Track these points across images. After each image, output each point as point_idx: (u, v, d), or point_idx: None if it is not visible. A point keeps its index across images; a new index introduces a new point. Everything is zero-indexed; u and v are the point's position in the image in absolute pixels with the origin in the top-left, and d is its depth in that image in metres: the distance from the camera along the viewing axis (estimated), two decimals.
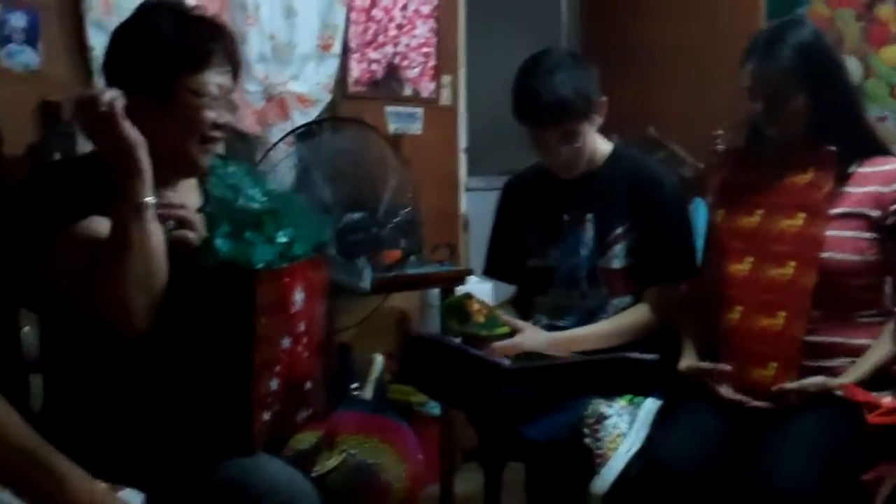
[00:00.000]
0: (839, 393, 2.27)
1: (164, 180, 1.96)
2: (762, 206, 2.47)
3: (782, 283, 2.40)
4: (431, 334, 2.69)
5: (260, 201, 2.06)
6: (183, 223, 1.94)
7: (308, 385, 2.04)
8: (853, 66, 5.68)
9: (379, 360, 2.60)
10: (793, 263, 2.39)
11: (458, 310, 2.55)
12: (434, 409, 3.63)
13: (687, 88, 5.06)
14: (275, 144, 3.40)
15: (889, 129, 5.33)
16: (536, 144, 2.60)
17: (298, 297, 1.97)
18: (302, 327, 1.99)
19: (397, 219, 3.34)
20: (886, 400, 2.06)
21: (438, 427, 3.57)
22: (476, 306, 2.53)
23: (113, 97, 1.79)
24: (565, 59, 2.58)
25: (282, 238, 1.97)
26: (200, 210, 2.09)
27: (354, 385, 3.12)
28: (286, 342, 1.95)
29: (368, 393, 2.53)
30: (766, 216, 2.46)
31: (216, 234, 1.92)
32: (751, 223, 2.48)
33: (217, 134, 2.03)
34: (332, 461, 2.05)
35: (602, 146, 2.70)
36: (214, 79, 2.00)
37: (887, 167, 2.43)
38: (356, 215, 3.19)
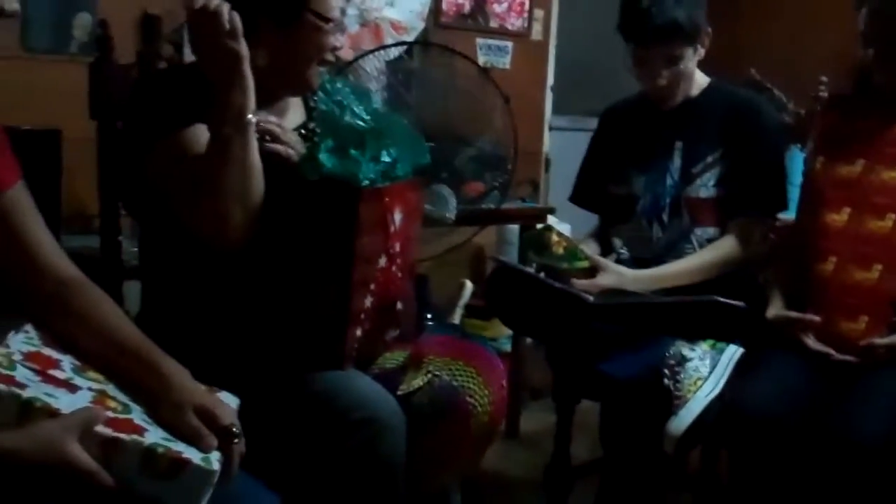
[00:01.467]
0: None
1: (270, 98, 1.97)
2: (865, 156, 2.42)
3: (880, 235, 2.36)
4: (517, 265, 2.68)
5: (365, 120, 2.07)
6: (276, 139, 1.94)
7: (399, 305, 2.06)
8: None
9: (469, 286, 2.60)
10: (893, 216, 2.35)
11: (537, 240, 2.55)
12: (505, 344, 3.64)
13: (794, 31, 4.95)
14: (358, 57, 3.36)
15: None
16: (639, 64, 2.59)
17: (397, 217, 1.98)
18: (397, 248, 2.00)
19: (487, 155, 3.32)
20: None
21: (508, 363, 3.58)
22: (556, 238, 2.53)
23: (231, 12, 1.79)
24: None
25: (385, 158, 1.97)
26: (302, 127, 2.10)
27: (429, 316, 3.13)
28: (383, 261, 1.96)
29: (457, 318, 2.53)
30: (868, 166, 2.41)
31: (321, 149, 1.92)
32: (851, 172, 2.43)
33: (332, 57, 2.03)
34: (419, 381, 2.06)
35: (700, 78, 2.69)
36: (338, 2, 2.00)
37: None
38: (444, 144, 3.17)
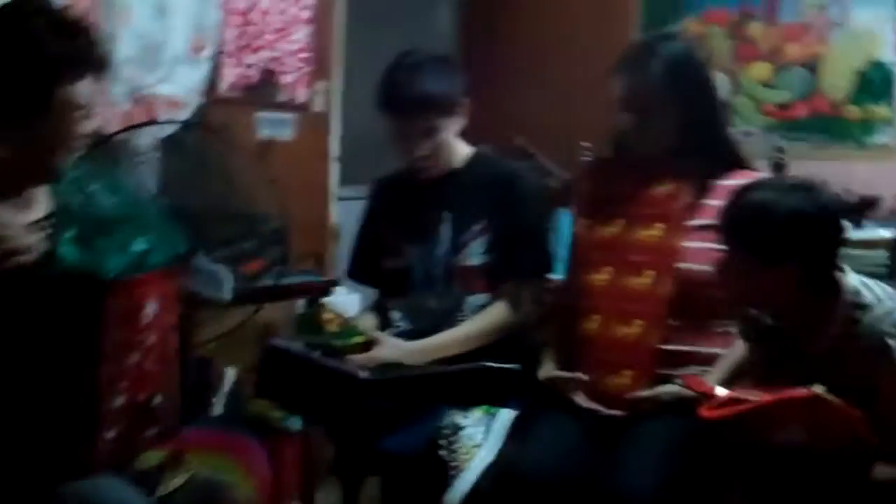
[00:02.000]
0: (679, 382, 2.30)
1: (13, 190, 1.88)
2: (622, 217, 2.49)
3: (639, 292, 2.43)
4: (288, 345, 2.64)
5: (114, 207, 1.99)
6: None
7: (157, 401, 1.99)
8: (722, 82, 5.83)
9: (230, 373, 2.55)
10: (650, 273, 2.43)
11: (310, 321, 2.53)
12: (295, 423, 3.57)
13: (558, 98, 5.11)
14: (114, 134, 3.28)
15: (756, 145, 5.47)
16: (398, 137, 2.63)
17: (150, 309, 1.91)
18: (153, 340, 1.94)
19: (261, 228, 3.28)
20: (721, 392, 2.08)
21: (300, 442, 3.52)
22: (328, 315, 2.52)
23: None
24: (433, 56, 2.66)
25: (137, 246, 1.91)
26: (48, 217, 2.02)
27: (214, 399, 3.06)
28: (135, 356, 1.89)
29: (219, 408, 2.48)
30: (626, 226, 2.48)
31: (62, 242, 1.84)
32: (610, 233, 2.50)
33: (81, 143, 1.95)
34: (178, 480, 1.99)
35: (463, 148, 2.74)
36: (89, 87, 1.90)
37: (749, 180, 2.47)
38: (218, 223, 3.12)
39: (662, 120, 2.45)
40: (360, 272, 2.89)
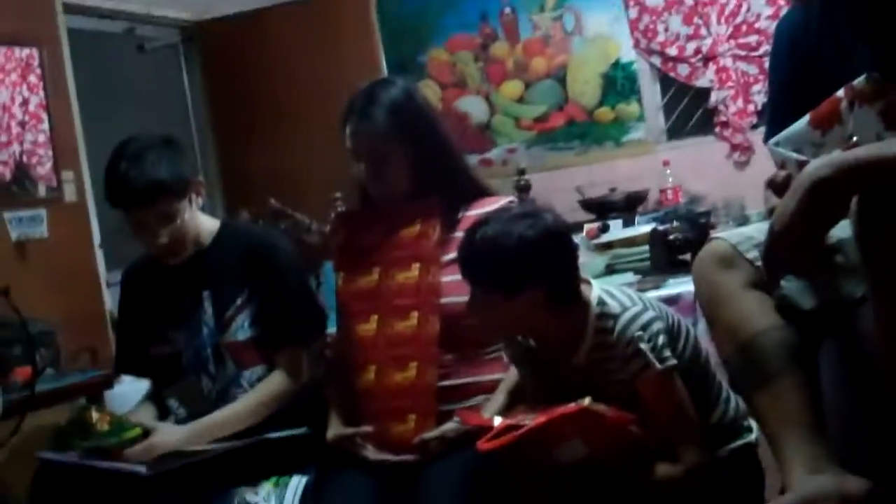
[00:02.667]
0: (457, 419, 2.30)
1: None
2: (378, 264, 2.48)
3: (408, 335, 2.42)
4: (58, 456, 2.52)
5: None
6: None
7: None
8: (478, 104, 5.96)
9: None
10: (415, 314, 2.42)
11: (77, 426, 2.41)
12: None
13: (314, 150, 5.11)
14: None
15: (520, 160, 5.61)
16: (136, 229, 2.54)
17: None
18: None
19: (27, 333, 3.15)
20: (497, 421, 2.09)
21: None
22: (96, 415, 2.40)
23: None
24: (155, 141, 2.55)
25: None
26: None
27: None
28: None
29: None
30: (384, 273, 2.47)
31: None
32: (370, 282, 2.48)
33: None
34: None
35: (208, 224, 2.67)
36: None
37: (494, 206, 2.50)
38: None
39: (394, 164, 2.46)
40: (128, 364, 2.78)
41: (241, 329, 2.59)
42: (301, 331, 2.64)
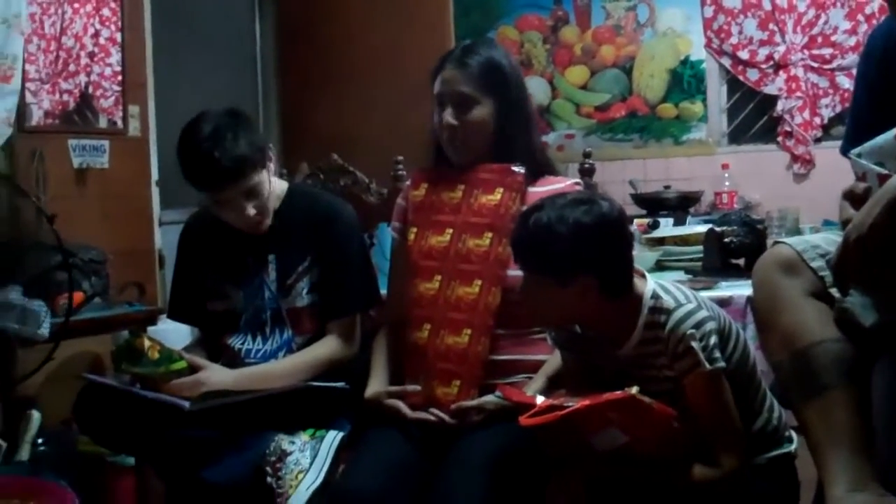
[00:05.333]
0: (498, 394, 2.31)
1: None
2: (452, 226, 2.49)
3: (468, 301, 2.43)
4: (104, 380, 2.55)
5: None
6: None
7: None
8: (541, 86, 5.94)
9: (35, 416, 2.44)
10: (479, 282, 2.43)
11: (128, 350, 2.44)
12: (128, 460, 3.48)
13: (378, 113, 5.12)
14: None
15: (576, 147, 5.59)
16: (222, 208, 2.56)
17: None
18: None
19: (79, 259, 3.18)
20: (540, 400, 2.10)
21: (133, 478, 3.42)
22: (147, 343, 2.43)
23: None
24: (224, 117, 2.53)
25: None
26: None
27: (40, 440, 2.95)
28: None
29: (24, 454, 2.37)
30: (456, 235, 2.48)
31: None
32: (441, 242, 2.49)
33: None
34: None
35: (277, 187, 2.68)
36: None
37: (559, 185, 2.51)
38: (30, 256, 3.01)
39: (477, 119, 2.47)
40: (182, 312, 2.81)
41: (300, 296, 2.62)
42: (357, 300, 2.67)
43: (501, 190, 2.47)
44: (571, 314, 2.18)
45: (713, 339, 2.06)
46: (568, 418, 1.97)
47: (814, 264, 2.02)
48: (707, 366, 2.04)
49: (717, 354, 2.06)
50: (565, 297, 2.10)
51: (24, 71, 3.79)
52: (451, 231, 2.50)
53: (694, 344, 2.05)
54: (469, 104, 2.47)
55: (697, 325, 2.06)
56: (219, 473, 2.33)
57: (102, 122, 4.30)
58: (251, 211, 2.55)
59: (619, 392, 1.98)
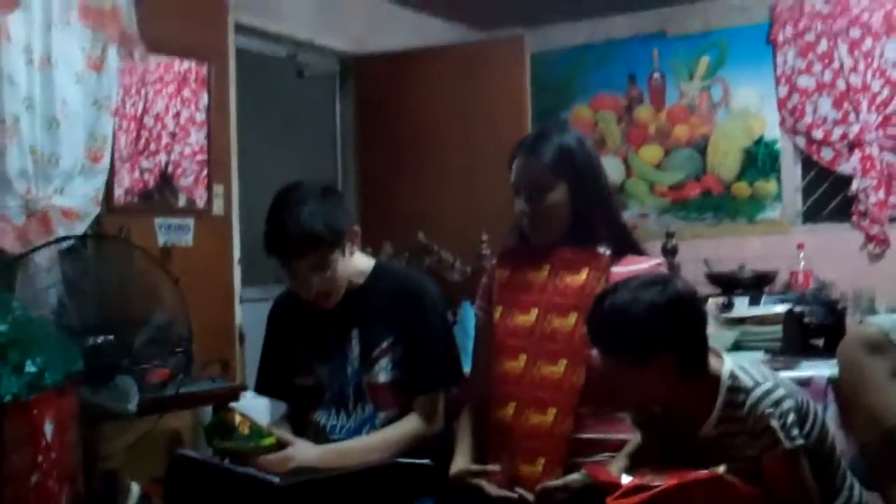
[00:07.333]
0: (584, 473, 2.31)
1: None
2: (538, 305, 2.52)
3: (553, 380, 2.45)
4: (195, 454, 2.60)
5: (5, 328, 1.97)
6: None
7: None
8: (615, 165, 5.98)
9: (135, 488, 2.49)
10: (564, 361, 2.45)
11: (219, 426, 2.49)
12: None
13: (458, 192, 5.18)
14: (22, 256, 3.24)
15: (650, 226, 5.62)
16: (290, 276, 2.62)
17: (49, 428, 1.89)
18: (52, 458, 1.91)
19: (165, 336, 3.24)
20: (626, 480, 2.10)
21: None
22: (238, 419, 2.48)
23: None
24: (313, 190, 2.60)
25: (31, 367, 1.89)
26: None
27: None
28: (35, 477, 1.86)
29: None
30: (542, 314, 2.50)
31: None
32: (526, 321, 2.52)
33: None
34: None
35: (363, 264, 2.73)
36: None
37: (642, 265, 2.52)
38: (107, 339, 3.07)
39: (553, 203, 2.51)
40: (269, 387, 2.85)
41: (384, 371, 2.65)
42: (441, 379, 2.69)
43: (587, 270, 2.50)
44: (650, 395, 2.20)
45: (791, 417, 2.07)
46: (655, 499, 1.98)
47: None
48: (787, 444, 2.05)
49: (796, 432, 2.07)
50: (643, 379, 2.12)
51: (112, 149, 3.92)
52: (536, 310, 2.52)
53: (773, 422, 2.06)
54: (542, 190, 2.51)
55: (776, 404, 2.07)
56: None
57: (182, 202, 4.39)
58: (315, 286, 2.58)
59: (705, 471, 1.99)
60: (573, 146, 2.56)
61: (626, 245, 2.59)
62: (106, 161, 3.88)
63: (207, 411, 3.83)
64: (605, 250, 2.50)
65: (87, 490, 3.15)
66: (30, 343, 1.92)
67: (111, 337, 3.08)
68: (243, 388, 3.62)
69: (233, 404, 2.88)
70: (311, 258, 2.54)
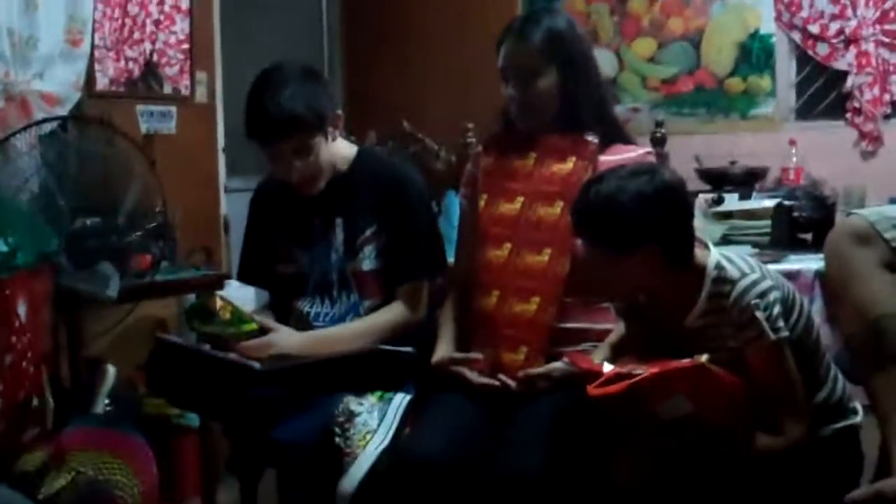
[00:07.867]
0: (565, 361, 2.31)
1: None
2: (523, 193, 2.49)
3: (537, 269, 2.44)
4: (176, 340, 2.59)
5: None
6: None
7: (35, 402, 1.94)
8: (608, 59, 5.89)
9: (111, 371, 2.48)
10: (549, 251, 2.43)
11: (200, 310, 2.47)
12: (193, 420, 3.53)
13: (445, 80, 5.12)
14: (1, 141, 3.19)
15: (642, 120, 5.55)
16: (271, 160, 2.57)
17: (22, 309, 1.86)
18: (26, 341, 1.89)
19: (146, 223, 3.21)
20: (608, 368, 2.10)
21: (198, 439, 3.47)
22: (220, 303, 2.46)
23: None
24: (296, 73, 2.53)
25: (2, 247, 1.86)
26: None
27: (107, 401, 3.00)
28: (9, 358, 1.84)
29: (99, 406, 2.42)
30: (527, 203, 2.48)
31: None
32: (511, 210, 2.50)
33: None
34: (61, 481, 1.94)
35: (346, 150, 2.68)
36: None
37: (630, 154, 2.49)
38: (94, 220, 3.04)
39: (542, 86, 2.46)
40: (251, 275, 2.83)
41: (368, 259, 2.62)
42: (425, 267, 2.67)
43: (574, 158, 2.46)
44: (635, 285, 2.18)
45: (777, 309, 2.06)
46: (635, 387, 1.97)
47: (887, 235, 2.00)
48: (771, 335, 2.04)
49: (781, 324, 2.06)
50: (628, 269, 2.10)
51: (93, 36, 3.84)
52: (521, 199, 2.50)
53: (758, 314, 2.04)
54: (531, 76, 2.46)
55: (762, 295, 2.06)
56: (287, 433, 2.36)
57: (167, 90, 4.33)
58: (297, 171, 2.54)
59: (687, 360, 1.98)
60: (563, 29, 2.51)
61: (615, 134, 2.56)
62: (86, 46, 3.80)
63: (192, 299, 3.81)
64: (593, 138, 2.46)
65: (72, 377, 3.17)
66: (1, 224, 1.88)
67: (97, 219, 3.06)
68: (227, 276, 3.59)
69: (218, 292, 2.84)
70: (293, 141, 2.49)
